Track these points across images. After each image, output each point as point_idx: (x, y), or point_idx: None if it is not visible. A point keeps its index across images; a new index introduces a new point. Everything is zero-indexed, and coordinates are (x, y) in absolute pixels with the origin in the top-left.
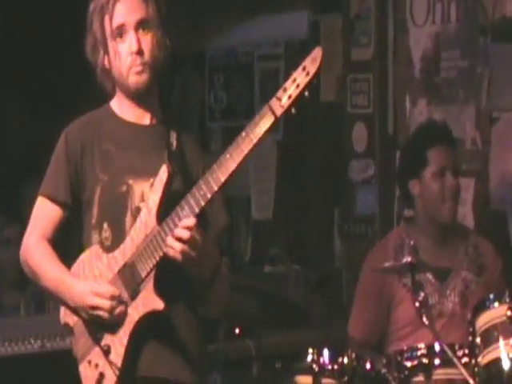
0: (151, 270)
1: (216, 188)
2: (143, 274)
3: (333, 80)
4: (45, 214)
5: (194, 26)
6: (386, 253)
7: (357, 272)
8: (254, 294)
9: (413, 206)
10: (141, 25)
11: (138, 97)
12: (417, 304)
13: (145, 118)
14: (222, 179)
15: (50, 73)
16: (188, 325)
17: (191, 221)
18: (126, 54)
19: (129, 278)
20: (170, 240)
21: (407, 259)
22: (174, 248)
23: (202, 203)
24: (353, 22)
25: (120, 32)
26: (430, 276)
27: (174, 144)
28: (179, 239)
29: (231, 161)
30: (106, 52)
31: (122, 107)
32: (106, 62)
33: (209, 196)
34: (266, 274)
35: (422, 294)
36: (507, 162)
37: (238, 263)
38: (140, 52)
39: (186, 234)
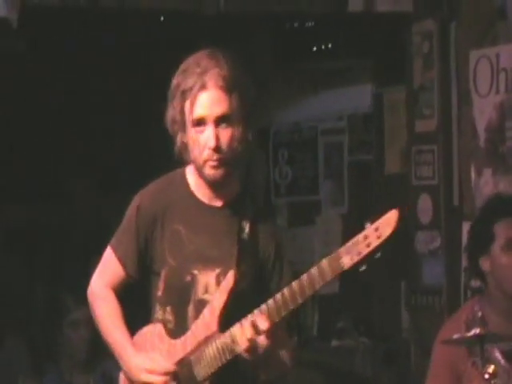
0: (208, 377)
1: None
2: (198, 379)
3: (397, 152)
4: (112, 267)
5: (258, 103)
6: (458, 325)
7: (424, 344)
8: (322, 368)
9: (484, 282)
10: (221, 120)
11: (212, 184)
12: (486, 376)
13: (218, 200)
14: (276, 320)
15: (117, 150)
16: None
17: (264, 324)
18: (203, 146)
19: (185, 375)
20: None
21: (475, 331)
22: (244, 343)
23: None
24: (416, 94)
25: (200, 123)
26: (499, 356)
27: (247, 228)
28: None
29: (295, 299)
30: (185, 134)
31: (196, 182)
32: (185, 140)
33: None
34: (334, 348)
35: (493, 367)
36: None
37: (305, 338)
38: (217, 149)
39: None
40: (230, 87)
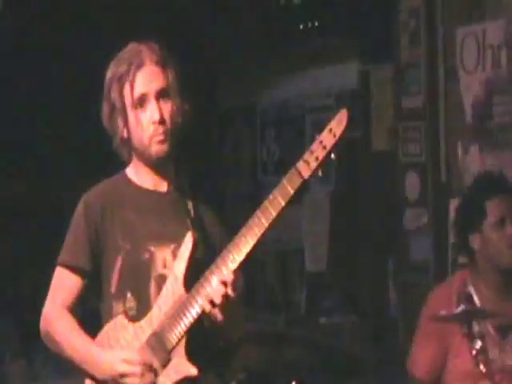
0: (182, 336)
1: (249, 249)
2: (174, 341)
3: (384, 129)
4: (64, 284)
5: (245, 80)
6: (448, 297)
7: (412, 320)
8: (310, 346)
9: (473, 258)
10: (161, 94)
11: (158, 164)
12: (473, 352)
13: (162, 185)
14: (252, 242)
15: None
16: None
17: (229, 276)
18: (148, 122)
19: (158, 346)
20: (215, 286)
21: (463, 307)
22: (217, 293)
23: (241, 259)
24: (403, 71)
25: (141, 101)
26: (491, 329)
27: (192, 212)
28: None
29: (261, 223)
30: (126, 121)
31: (139, 174)
32: (126, 130)
33: (245, 252)
34: (322, 325)
35: (480, 343)
36: None
37: (293, 315)
38: (162, 121)
39: (221, 283)
40: (164, 62)
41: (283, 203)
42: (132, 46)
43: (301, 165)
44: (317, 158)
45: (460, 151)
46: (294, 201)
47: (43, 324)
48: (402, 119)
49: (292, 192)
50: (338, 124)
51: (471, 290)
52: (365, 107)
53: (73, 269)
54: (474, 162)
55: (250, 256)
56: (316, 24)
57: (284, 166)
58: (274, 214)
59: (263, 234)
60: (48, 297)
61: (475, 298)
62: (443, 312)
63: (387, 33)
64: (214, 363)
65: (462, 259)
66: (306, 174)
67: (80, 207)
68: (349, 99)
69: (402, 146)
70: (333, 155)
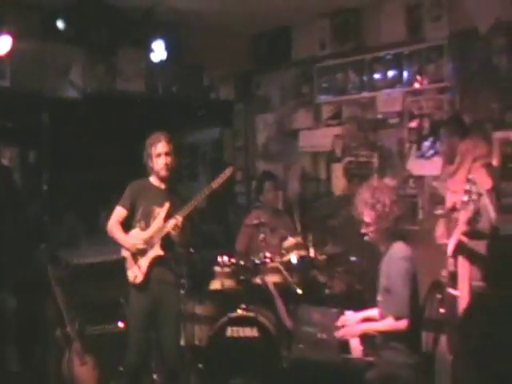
0: (159, 240)
1: (190, 209)
2: (155, 241)
3: (229, 154)
4: (119, 213)
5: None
6: (251, 218)
7: (239, 225)
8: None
9: (261, 203)
10: (167, 153)
11: (163, 178)
12: (261, 238)
13: (163, 185)
14: (192, 207)
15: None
16: (173, 260)
17: (179, 219)
18: (160, 163)
19: (150, 242)
20: (170, 223)
21: (256, 221)
22: (171, 225)
23: (185, 213)
24: (236, 133)
25: (159, 155)
26: (268, 231)
27: (172, 196)
28: (175, 223)
29: (196, 200)
30: (152, 161)
31: (154, 180)
32: (151, 164)
33: (187, 212)
34: (204, 232)
35: (263, 235)
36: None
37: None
38: (167, 164)
39: (176, 221)
40: (169, 140)
41: (207, 193)
42: (156, 133)
43: (212, 183)
44: (217, 184)
45: (257, 163)
46: (193, 180)
47: (109, 229)
48: (235, 151)
49: (207, 193)
50: (228, 172)
51: (260, 216)
52: (222, 147)
53: (123, 206)
54: (262, 167)
55: (191, 212)
56: (204, 114)
57: (190, 170)
58: (200, 198)
59: (196, 205)
60: (111, 217)
61: (262, 219)
62: (250, 223)
63: (230, 117)
64: (172, 254)
65: (257, 203)
66: (215, 186)
67: (128, 187)
68: (215, 142)
69: (233, 161)
70: (224, 186)
